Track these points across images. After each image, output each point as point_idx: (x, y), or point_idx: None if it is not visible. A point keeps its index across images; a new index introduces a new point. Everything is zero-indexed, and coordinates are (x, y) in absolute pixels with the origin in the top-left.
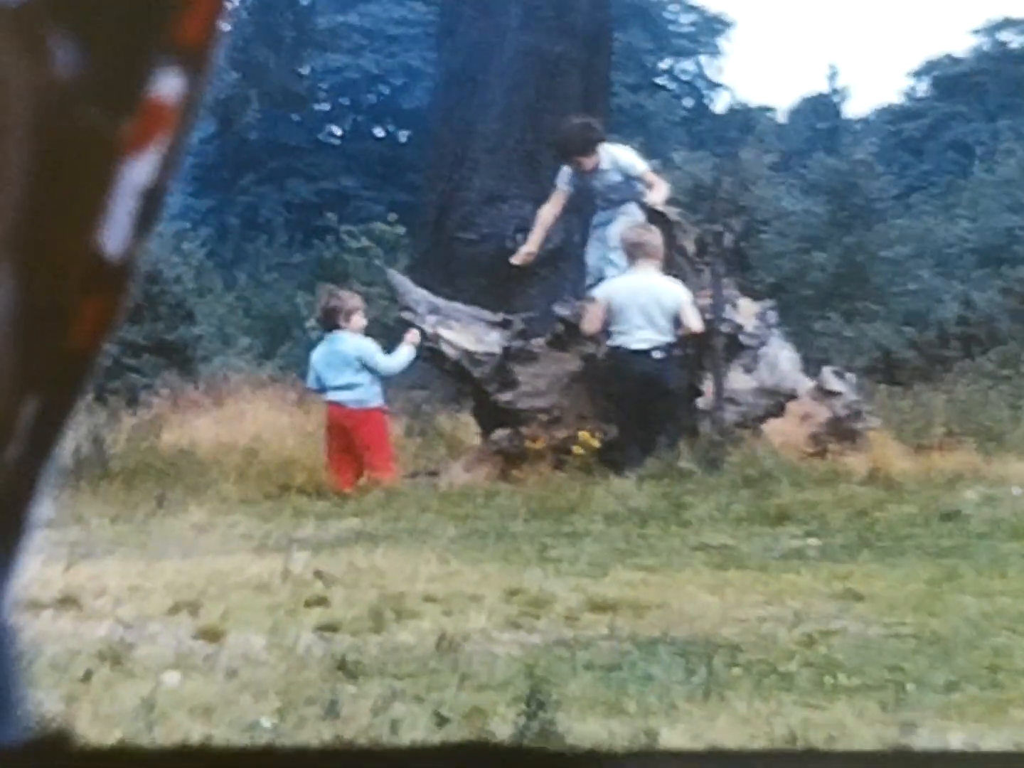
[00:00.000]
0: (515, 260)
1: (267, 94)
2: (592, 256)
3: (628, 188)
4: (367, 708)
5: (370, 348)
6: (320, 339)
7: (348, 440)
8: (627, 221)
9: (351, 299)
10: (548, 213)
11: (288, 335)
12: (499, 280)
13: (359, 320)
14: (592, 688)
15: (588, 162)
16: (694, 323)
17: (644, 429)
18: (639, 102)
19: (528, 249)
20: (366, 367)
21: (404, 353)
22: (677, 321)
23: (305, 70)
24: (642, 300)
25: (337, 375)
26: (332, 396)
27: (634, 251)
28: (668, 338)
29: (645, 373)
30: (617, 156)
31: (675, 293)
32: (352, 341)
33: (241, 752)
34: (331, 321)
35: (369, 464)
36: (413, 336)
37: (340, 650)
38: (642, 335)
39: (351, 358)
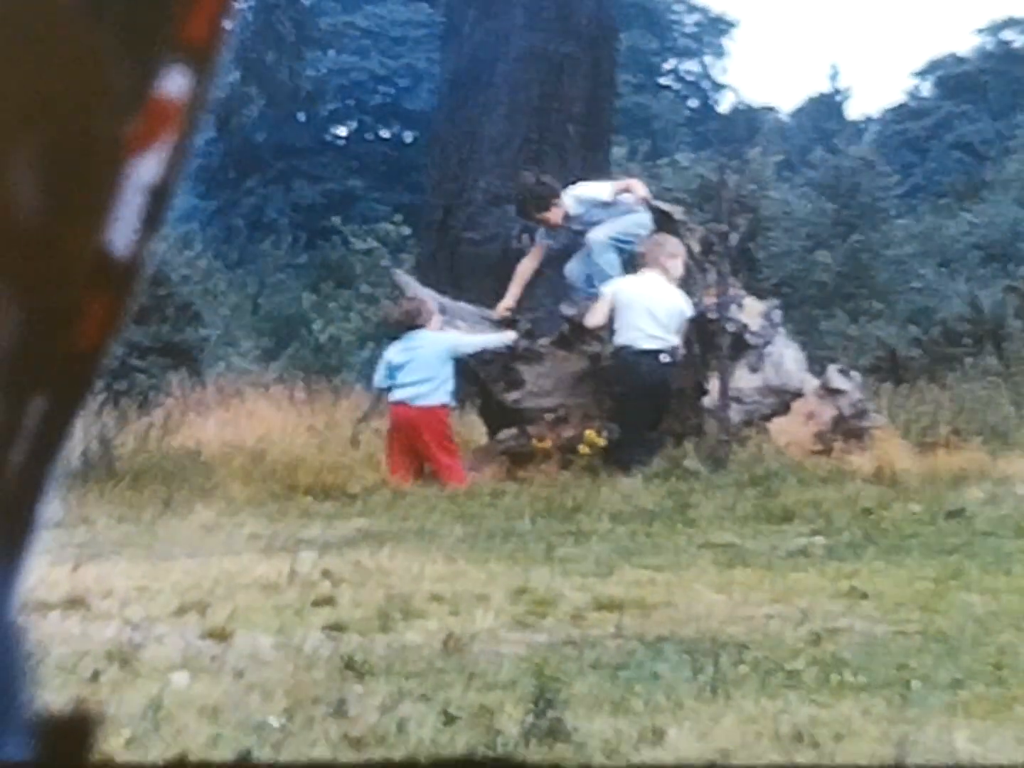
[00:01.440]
0: (495, 316)
1: (269, 93)
2: (575, 263)
3: (611, 213)
4: (374, 707)
5: (453, 334)
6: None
7: (412, 439)
8: (604, 229)
9: (429, 300)
10: (527, 267)
11: (295, 336)
12: (505, 280)
13: (438, 320)
14: (599, 687)
15: (552, 216)
16: (679, 336)
17: (649, 428)
18: (644, 103)
19: (507, 304)
20: (451, 359)
21: (495, 337)
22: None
23: (308, 70)
24: (647, 302)
25: (414, 372)
26: (400, 394)
27: (644, 259)
28: (675, 342)
29: (649, 374)
30: (581, 195)
31: (683, 304)
32: (436, 335)
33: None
34: (413, 322)
35: (438, 472)
36: (501, 309)
37: (347, 650)
38: (652, 334)
39: (438, 351)
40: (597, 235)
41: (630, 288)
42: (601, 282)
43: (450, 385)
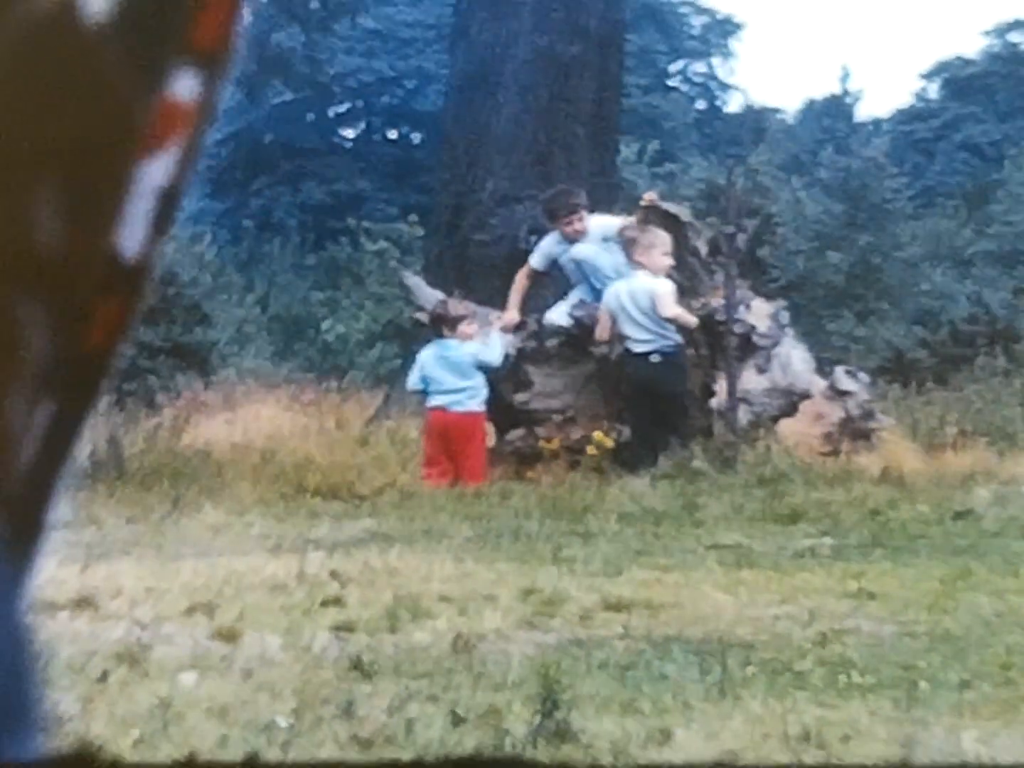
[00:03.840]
0: (501, 326)
1: (288, 79)
2: (554, 311)
3: (610, 247)
4: (382, 708)
5: (478, 349)
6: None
7: (448, 444)
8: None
9: (456, 307)
10: (521, 282)
11: (303, 336)
12: (513, 281)
13: (466, 328)
14: (607, 687)
15: (575, 225)
16: (667, 311)
17: (657, 429)
18: (652, 104)
19: (511, 315)
20: (480, 368)
21: (496, 339)
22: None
23: (324, 57)
24: (628, 307)
25: (454, 379)
26: (439, 400)
27: (631, 259)
28: (664, 339)
29: (644, 376)
30: (597, 222)
31: (648, 288)
32: (464, 347)
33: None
34: (437, 329)
35: (461, 470)
36: (504, 322)
37: (355, 650)
38: (639, 338)
39: (467, 364)
40: (581, 249)
41: (614, 295)
42: (603, 286)
43: (485, 393)
